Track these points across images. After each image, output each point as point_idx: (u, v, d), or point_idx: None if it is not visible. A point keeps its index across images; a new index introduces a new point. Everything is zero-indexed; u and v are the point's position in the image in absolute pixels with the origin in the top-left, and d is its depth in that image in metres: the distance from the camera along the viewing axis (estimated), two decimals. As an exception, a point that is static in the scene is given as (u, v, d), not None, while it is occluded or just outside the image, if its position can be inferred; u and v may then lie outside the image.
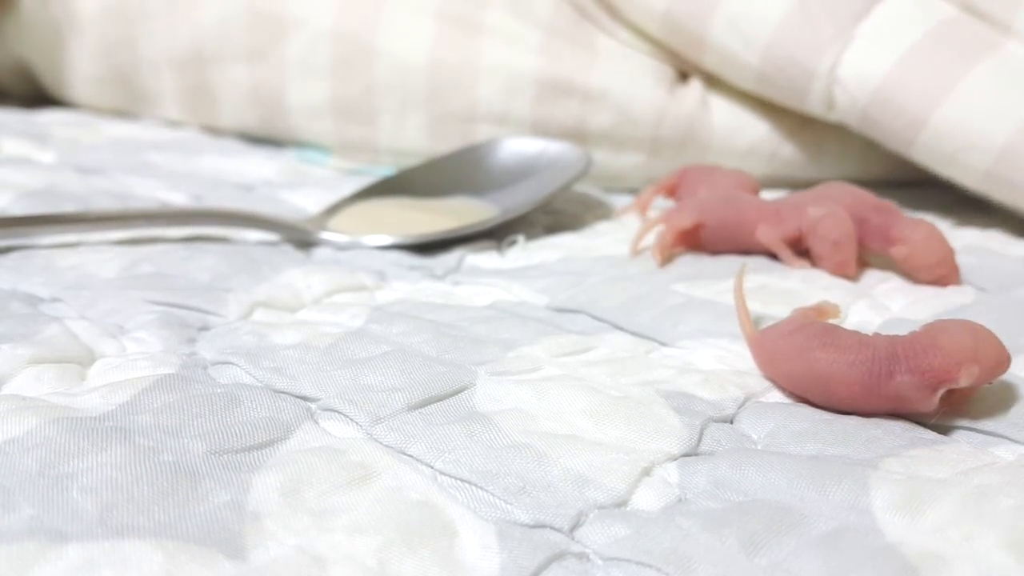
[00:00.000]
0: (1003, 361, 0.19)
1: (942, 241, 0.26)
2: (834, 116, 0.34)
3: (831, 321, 0.21)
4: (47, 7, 0.45)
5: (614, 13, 0.37)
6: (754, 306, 0.24)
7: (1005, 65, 0.31)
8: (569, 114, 0.37)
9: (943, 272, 0.26)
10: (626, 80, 0.36)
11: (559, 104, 0.37)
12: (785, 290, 0.25)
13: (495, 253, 0.29)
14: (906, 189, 0.36)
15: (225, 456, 0.16)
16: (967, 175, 0.32)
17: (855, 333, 0.19)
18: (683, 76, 0.38)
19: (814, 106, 0.34)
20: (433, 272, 0.27)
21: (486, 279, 0.26)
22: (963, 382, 0.18)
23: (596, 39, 0.37)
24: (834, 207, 0.26)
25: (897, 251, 0.26)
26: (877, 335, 0.19)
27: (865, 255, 0.28)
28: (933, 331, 0.19)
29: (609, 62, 0.37)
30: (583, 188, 0.36)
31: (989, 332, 0.19)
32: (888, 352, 0.19)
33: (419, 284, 0.26)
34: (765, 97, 0.36)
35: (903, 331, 0.23)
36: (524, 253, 0.29)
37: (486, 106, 0.37)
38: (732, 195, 0.28)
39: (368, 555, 0.14)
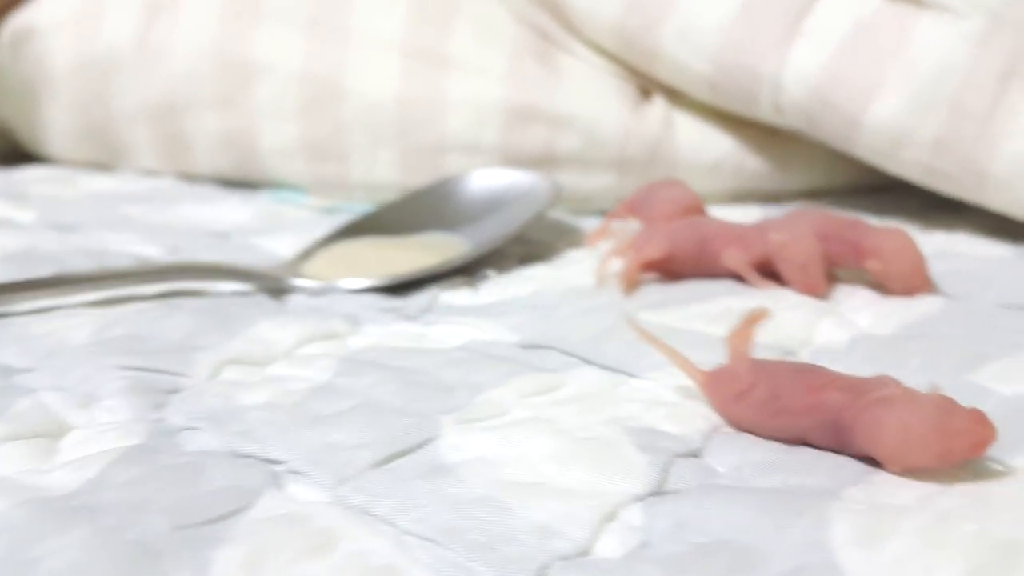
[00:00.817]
0: (953, 451, 0.17)
1: (915, 250, 0.26)
2: (784, 120, 0.34)
3: (760, 322, 0.21)
4: (20, 65, 0.45)
5: (572, 30, 0.37)
6: (720, 330, 0.24)
7: (928, 53, 0.30)
8: (537, 140, 0.37)
9: (917, 283, 0.26)
10: (591, 102, 0.36)
11: (527, 130, 0.37)
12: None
13: (468, 289, 0.29)
14: (874, 195, 0.36)
15: (188, 531, 0.16)
16: (909, 170, 0.31)
17: (809, 389, 0.18)
18: (646, 93, 0.38)
19: (765, 111, 0.34)
20: (406, 313, 0.27)
21: (459, 317, 0.26)
22: (894, 473, 0.17)
23: (559, 60, 0.37)
24: (797, 229, 0.26)
25: (871, 265, 0.26)
26: (834, 384, 0.18)
27: (834, 271, 0.28)
28: (878, 411, 0.17)
29: (573, 85, 0.37)
30: (554, 214, 0.36)
31: (936, 426, 0.17)
32: (836, 419, 0.18)
33: (392, 327, 0.26)
34: (721, 107, 0.36)
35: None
36: (497, 288, 0.29)
37: (456, 137, 0.37)
38: (697, 220, 0.28)
39: (330, 626, 0.14)
